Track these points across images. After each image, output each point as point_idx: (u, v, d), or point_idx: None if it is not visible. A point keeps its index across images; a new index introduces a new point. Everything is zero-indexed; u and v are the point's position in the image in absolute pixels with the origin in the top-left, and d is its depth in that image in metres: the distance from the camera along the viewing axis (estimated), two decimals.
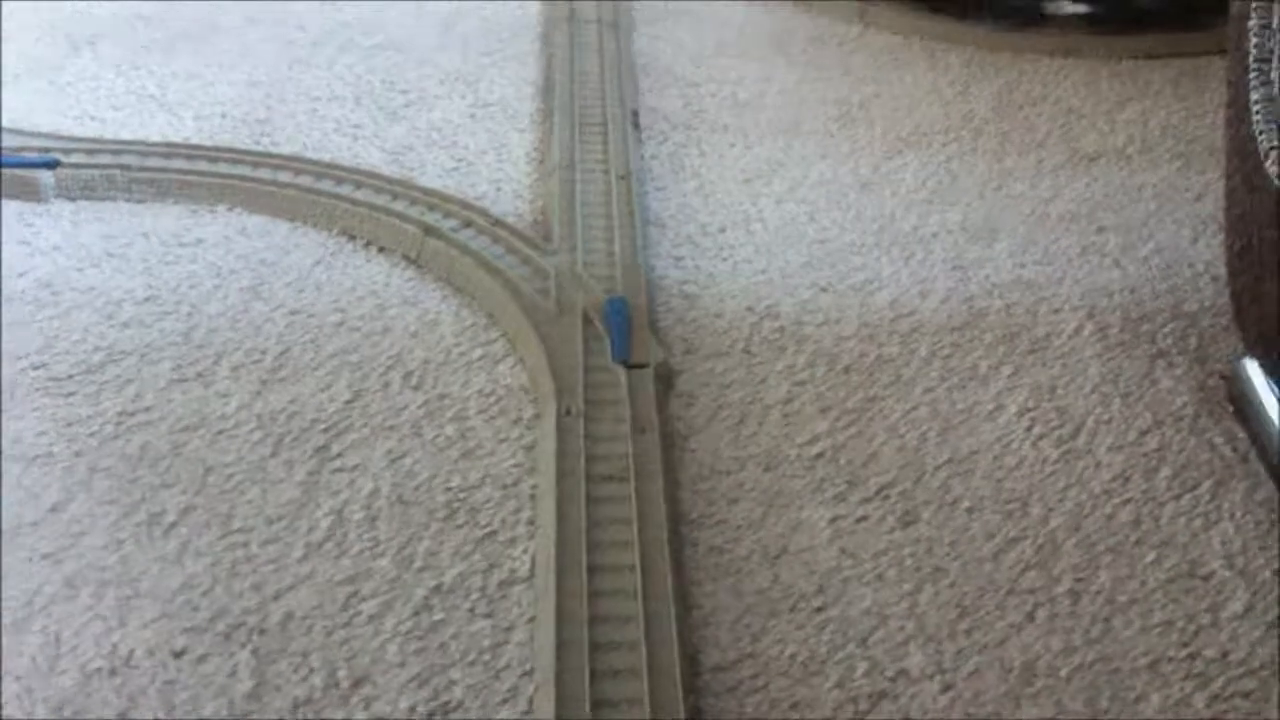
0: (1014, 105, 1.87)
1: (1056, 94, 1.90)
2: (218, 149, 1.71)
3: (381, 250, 1.55)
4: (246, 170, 1.66)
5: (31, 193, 1.62)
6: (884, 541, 1.17)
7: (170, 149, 1.70)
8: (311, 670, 1.03)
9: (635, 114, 1.82)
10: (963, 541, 1.17)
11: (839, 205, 1.65)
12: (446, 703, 1.01)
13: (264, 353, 1.38)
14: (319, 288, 1.48)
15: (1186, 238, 1.59)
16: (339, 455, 1.24)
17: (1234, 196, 1.31)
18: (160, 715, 0.99)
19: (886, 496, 1.21)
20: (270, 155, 1.70)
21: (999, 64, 1.97)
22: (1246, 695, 1.03)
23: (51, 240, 1.55)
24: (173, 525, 1.16)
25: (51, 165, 1.64)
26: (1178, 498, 1.22)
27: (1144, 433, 1.29)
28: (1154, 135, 1.80)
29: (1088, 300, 1.47)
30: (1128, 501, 1.21)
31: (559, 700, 0.99)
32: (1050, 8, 1.99)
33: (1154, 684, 1.04)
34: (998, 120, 1.83)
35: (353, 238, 1.57)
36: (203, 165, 1.67)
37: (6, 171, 1.63)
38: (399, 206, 1.60)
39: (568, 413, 1.27)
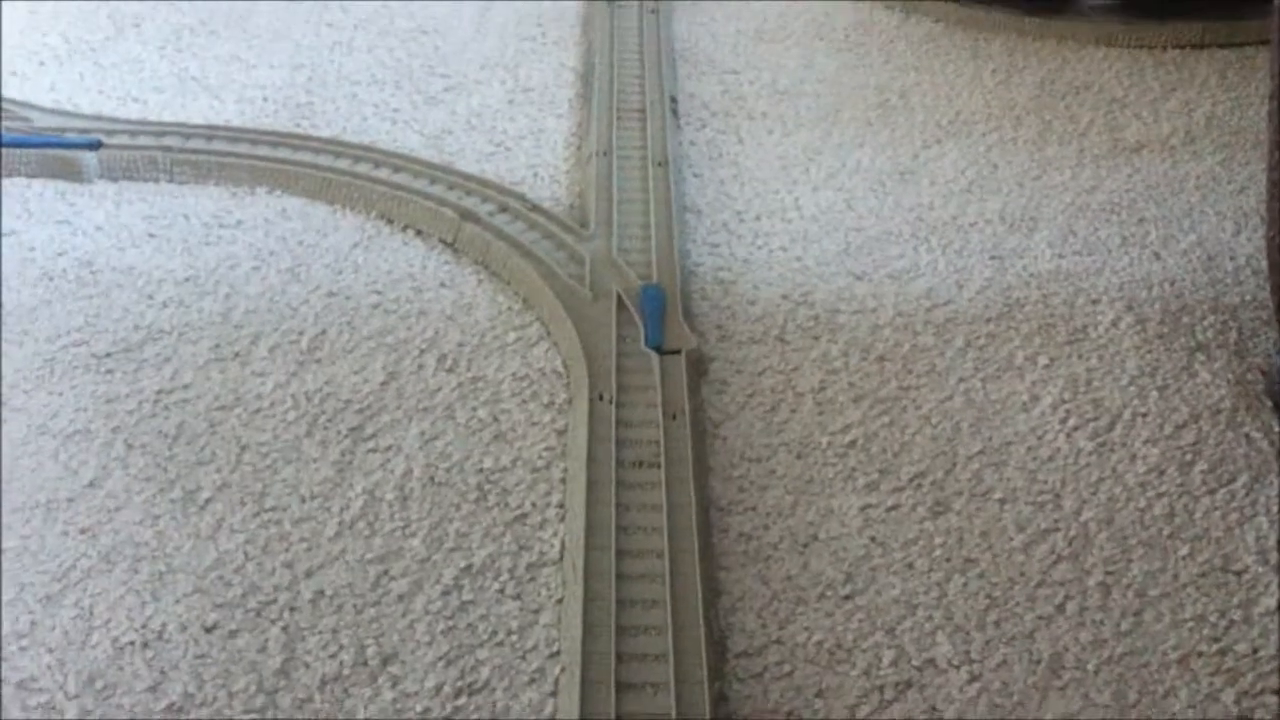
0: (1056, 94, 1.85)
1: (1100, 83, 1.88)
2: (259, 132, 1.72)
3: (419, 234, 1.56)
4: (287, 153, 1.67)
5: (75, 173, 1.64)
6: (914, 531, 1.16)
7: (212, 131, 1.71)
8: (341, 648, 1.04)
9: (674, 100, 1.82)
10: (994, 532, 1.16)
11: (877, 194, 1.64)
12: (473, 682, 1.01)
13: (301, 334, 1.39)
14: (356, 270, 1.49)
15: (1229, 230, 1.57)
16: (373, 436, 1.25)
17: (1276, 191, 1.29)
18: (190, 689, 1.00)
19: (918, 486, 1.21)
20: (310, 138, 1.71)
21: (1041, 53, 1.95)
22: (1277, 692, 1.02)
23: (94, 220, 1.57)
24: (208, 502, 1.17)
25: (94, 146, 1.65)
26: (1213, 492, 1.20)
27: (1180, 426, 1.28)
28: (1198, 126, 1.78)
29: (1127, 292, 1.46)
30: (1162, 495, 1.20)
31: (584, 682, 0.99)
32: None
33: (1183, 679, 1.03)
34: (1039, 109, 1.82)
35: (391, 221, 1.58)
36: (244, 148, 1.68)
37: (51, 152, 1.65)
38: (437, 190, 1.60)
39: (600, 398, 1.27)
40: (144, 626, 1.05)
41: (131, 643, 1.04)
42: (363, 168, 1.65)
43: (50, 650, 1.03)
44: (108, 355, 1.35)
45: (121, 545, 1.13)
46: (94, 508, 1.16)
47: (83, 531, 1.14)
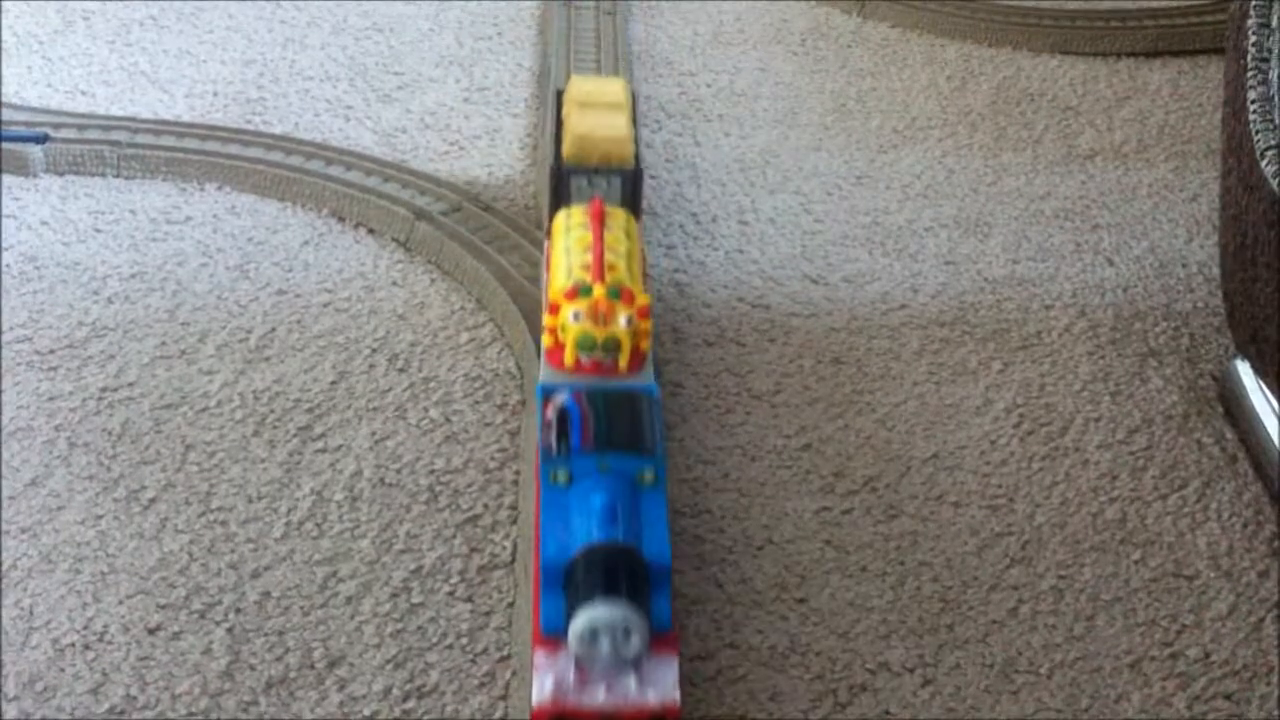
0: (1011, 101, 1.86)
1: (1054, 91, 1.89)
2: (209, 127, 1.70)
3: (371, 232, 1.54)
4: (237, 149, 1.65)
5: (20, 167, 1.61)
6: (868, 534, 1.16)
7: (161, 126, 1.69)
8: (287, 650, 1.02)
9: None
10: (947, 536, 1.16)
11: (833, 197, 1.64)
12: (421, 686, 1.00)
13: (249, 332, 1.37)
14: (307, 268, 1.47)
15: (1181, 237, 1.58)
16: (322, 436, 1.23)
17: (1229, 196, 1.30)
18: (133, 691, 0.98)
19: (873, 489, 1.21)
20: (261, 135, 1.69)
21: (997, 60, 1.96)
22: (1228, 696, 1.03)
23: (39, 215, 1.54)
24: (152, 502, 1.15)
25: (41, 140, 1.62)
26: (1165, 497, 1.21)
27: (1133, 431, 1.28)
28: (1151, 134, 1.79)
29: (1080, 298, 1.47)
30: (1114, 500, 1.20)
31: None
32: None
33: (1135, 683, 1.03)
34: (994, 116, 1.82)
35: (342, 219, 1.56)
36: (193, 143, 1.66)
37: None
38: (390, 189, 1.58)
39: None
40: (85, 628, 1.03)
41: (73, 644, 1.02)
42: (314, 165, 1.62)
43: None
44: (51, 351, 1.32)
45: (63, 545, 1.10)
46: (35, 507, 1.14)
47: (23, 531, 1.11)
